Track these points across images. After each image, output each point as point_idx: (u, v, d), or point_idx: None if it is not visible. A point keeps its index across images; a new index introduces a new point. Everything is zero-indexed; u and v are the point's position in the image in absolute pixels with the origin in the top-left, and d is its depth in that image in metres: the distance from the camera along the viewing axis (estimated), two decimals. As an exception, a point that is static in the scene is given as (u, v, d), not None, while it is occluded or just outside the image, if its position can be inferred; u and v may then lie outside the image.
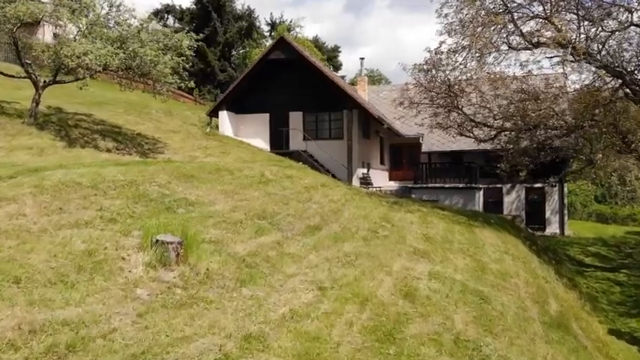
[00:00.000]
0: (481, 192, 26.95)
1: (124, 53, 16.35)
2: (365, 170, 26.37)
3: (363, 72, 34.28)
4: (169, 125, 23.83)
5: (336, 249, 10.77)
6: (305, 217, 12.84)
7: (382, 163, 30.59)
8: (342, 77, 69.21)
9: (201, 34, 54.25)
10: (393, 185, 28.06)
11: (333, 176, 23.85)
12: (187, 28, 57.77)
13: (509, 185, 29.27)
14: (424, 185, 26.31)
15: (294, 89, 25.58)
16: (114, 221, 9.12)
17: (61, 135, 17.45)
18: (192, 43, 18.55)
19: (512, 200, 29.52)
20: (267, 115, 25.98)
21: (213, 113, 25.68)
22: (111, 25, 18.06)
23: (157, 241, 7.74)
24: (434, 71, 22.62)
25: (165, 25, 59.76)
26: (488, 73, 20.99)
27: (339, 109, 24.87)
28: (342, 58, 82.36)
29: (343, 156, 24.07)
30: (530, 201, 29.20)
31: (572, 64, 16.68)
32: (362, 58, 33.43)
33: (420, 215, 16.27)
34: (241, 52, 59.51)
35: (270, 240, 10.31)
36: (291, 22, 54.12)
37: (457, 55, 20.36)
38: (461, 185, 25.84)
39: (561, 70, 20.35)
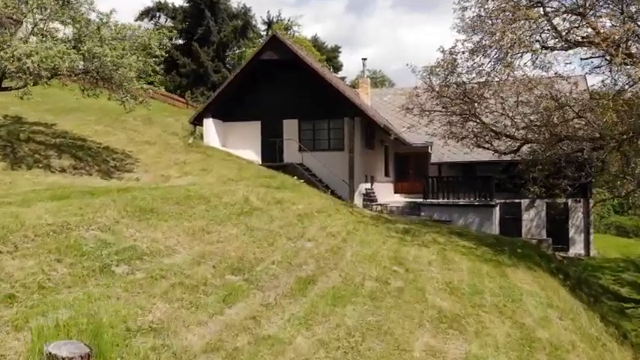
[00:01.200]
0: (497, 208, 24.03)
1: (78, 53, 13.43)
2: (368, 185, 23.47)
3: (366, 73, 31.40)
4: (146, 135, 20.94)
5: (335, 321, 7.87)
6: (295, 265, 9.95)
7: (387, 174, 27.69)
8: (343, 79, 66.37)
9: (184, 34, 50.32)
10: (400, 201, 25.14)
11: (333, 193, 20.98)
12: (180, 27, 55.24)
13: (528, 200, 26.36)
14: (435, 201, 23.40)
15: (289, 94, 22.70)
16: (10, 300, 6.25)
17: (6, 152, 14.56)
18: (164, 42, 15.60)
19: (532, 217, 26.62)
20: (258, 124, 23.10)
21: (198, 121, 22.78)
22: (68, 21, 15.12)
23: (50, 354, 4.84)
24: (448, 74, 19.79)
25: (156, 24, 57.09)
26: (512, 76, 18.12)
27: (339, 116, 21.99)
28: (342, 58, 79.64)
29: (344, 169, 21.17)
30: (551, 218, 26.30)
31: (620, 65, 13.76)
32: (364, 59, 30.68)
33: (438, 250, 13.36)
34: (237, 52, 56.64)
35: (243, 314, 7.42)
36: (289, 20, 51.04)
37: (476, 55, 17.50)
38: (476, 202, 22.92)
39: (580, 72, 17.69)
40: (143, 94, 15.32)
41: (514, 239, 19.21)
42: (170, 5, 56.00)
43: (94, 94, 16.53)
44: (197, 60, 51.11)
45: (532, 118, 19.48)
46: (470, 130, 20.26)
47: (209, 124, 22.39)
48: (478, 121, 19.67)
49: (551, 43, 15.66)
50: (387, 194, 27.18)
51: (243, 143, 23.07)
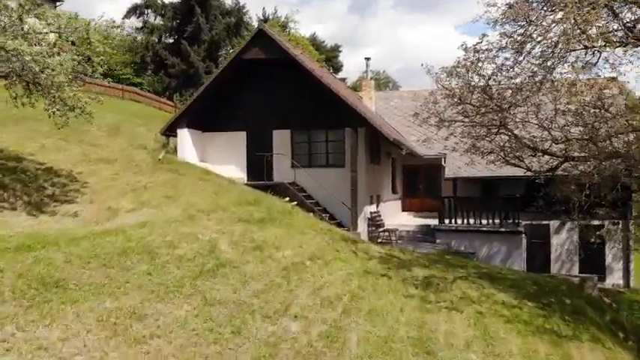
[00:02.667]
0: (525, 234, 20.43)
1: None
2: (374, 207, 19.88)
3: (369, 75, 27.82)
4: (106, 150, 17.34)
5: None
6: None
7: (394, 191, 24.10)
8: (343, 80, 62.76)
9: (173, 32, 46.67)
10: (410, 223, 21.53)
11: (332, 218, 17.44)
12: (169, 25, 51.66)
13: (558, 222, 22.79)
14: (452, 226, 19.81)
15: (280, 100, 19.14)
16: None
17: None
18: (110, 35, 12.00)
19: (562, 241, 23.02)
20: (243, 135, 19.51)
21: (171, 131, 19.18)
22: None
23: None
24: (471, 76, 16.25)
25: (145, 22, 53.55)
26: (552, 79, 14.62)
27: (339, 126, 18.43)
28: (343, 58, 76.09)
29: (345, 190, 17.60)
30: (585, 242, 22.67)
31: None
32: (367, 59, 27.07)
33: (474, 317, 9.77)
34: (230, 51, 53.00)
35: None
36: (285, 17, 47.39)
37: (511, 51, 13.97)
38: (502, 229, 19.32)
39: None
40: (82, 102, 11.66)
41: (555, 280, 15.65)
42: (159, 2, 52.45)
43: (29, 102, 12.88)
44: (187, 60, 47.57)
45: (575, 130, 15.98)
46: (496, 142, 16.70)
47: (184, 135, 18.79)
48: (510, 134, 16.07)
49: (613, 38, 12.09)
50: (394, 213, 23.60)
51: (226, 158, 19.49)
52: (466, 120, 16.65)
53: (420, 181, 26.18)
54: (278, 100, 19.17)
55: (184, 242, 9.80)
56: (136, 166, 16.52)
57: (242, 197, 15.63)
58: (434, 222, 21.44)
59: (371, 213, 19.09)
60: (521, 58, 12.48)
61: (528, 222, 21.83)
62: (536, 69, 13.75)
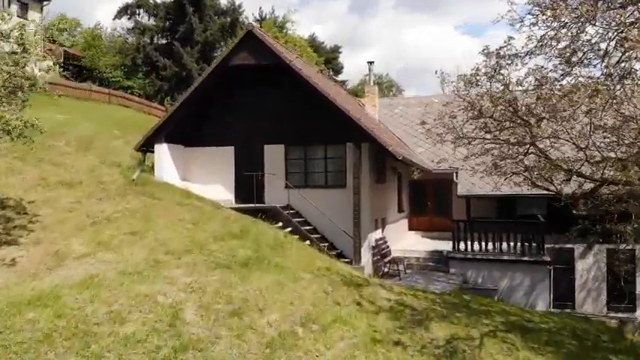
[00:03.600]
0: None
1: None
2: (379, 233, 17.54)
3: (372, 80, 25.48)
4: (70, 171, 15.02)
5: None
6: None
7: (400, 209, 21.76)
8: (343, 83, 60.37)
9: (165, 33, 44.33)
10: (420, 249, 19.19)
11: (331, 247, 15.19)
12: (161, 25, 49.34)
13: (583, 246, 20.46)
14: (468, 254, 17.47)
15: (273, 111, 16.85)
16: None
17: None
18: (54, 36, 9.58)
19: (589, 267, 20.67)
20: (230, 150, 17.20)
21: (148, 146, 16.84)
22: None
23: None
24: (493, 85, 13.98)
25: (136, 23, 51.21)
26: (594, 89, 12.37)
27: (340, 141, 16.15)
28: (343, 59, 73.76)
29: (346, 213, 15.31)
30: (613, 269, 20.33)
31: None
32: (370, 62, 24.75)
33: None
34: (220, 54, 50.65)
35: None
36: (283, 17, 44.98)
37: (555, 59, 11.73)
38: (525, 258, 16.99)
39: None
40: (14, 124, 9.31)
41: (592, 327, 13.35)
42: (151, 1, 50.12)
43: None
44: (179, 62, 45.24)
45: (616, 149, 13.66)
46: (524, 164, 14.37)
47: (162, 151, 16.46)
48: (540, 154, 13.72)
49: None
50: (400, 235, 21.26)
51: (211, 176, 17.18)
52: (488, 136, 14.34)
53: (428, 197, 23.84)
54: (270, 112, 16.87)
55: (137, 311, 7.49)
56: (104, 190, 14.21)
57: (226, 228, 13.31)
58: (446, 246, 19.14)
59: (375, 241, 16.75)
60: (572, 69, 10.02)
61: (550, 245, 19.49)
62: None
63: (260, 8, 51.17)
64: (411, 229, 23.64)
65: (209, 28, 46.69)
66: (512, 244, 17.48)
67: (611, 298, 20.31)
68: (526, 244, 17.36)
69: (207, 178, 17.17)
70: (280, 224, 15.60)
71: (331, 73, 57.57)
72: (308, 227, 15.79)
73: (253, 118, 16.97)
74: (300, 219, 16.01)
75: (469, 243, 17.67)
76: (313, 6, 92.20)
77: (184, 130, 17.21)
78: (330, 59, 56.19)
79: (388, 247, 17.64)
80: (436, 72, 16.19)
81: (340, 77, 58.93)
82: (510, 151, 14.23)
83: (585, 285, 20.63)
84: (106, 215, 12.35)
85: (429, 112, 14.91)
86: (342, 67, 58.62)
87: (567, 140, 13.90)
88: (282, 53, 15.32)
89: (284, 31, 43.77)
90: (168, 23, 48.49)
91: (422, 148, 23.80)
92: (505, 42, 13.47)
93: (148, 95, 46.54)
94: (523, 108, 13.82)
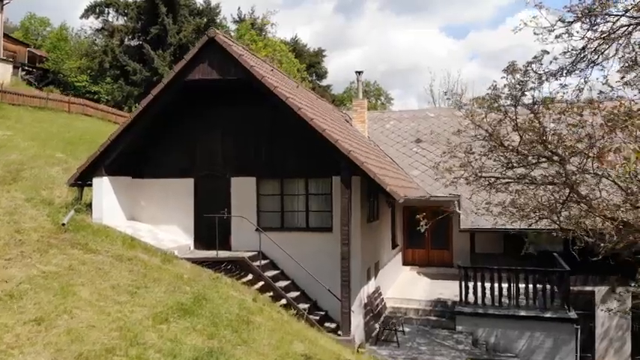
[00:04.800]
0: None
1: None
2: (372, 284, 14.50)
3: (361, 92, 22.42)
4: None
5: None
6: None
7: (394, 244, 18.75)
8: (327, 88, 57.36)
9: (136, 35, 41.02)
10: (418, 297, 16.16)
11: (314, 307, 12.18)
12: (132, 26, 45.84)
13: (605, 288, 17.65)
14: (478, 308, 14.50)
15: (242, 136, 13.76)
16: None
17: None
18: None
19: (612, 314, 17.86)
20: (189, 183, 14.02)
21: (84, 180, 13.57)
22: None
23: None
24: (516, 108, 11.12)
25: (105, 23, 47.61)
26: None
27: (325, 173, 13.11)
28: (328, 62, 70.60)
29: (333, 262, 12.28)
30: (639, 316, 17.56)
31: None
32: (359, 72, 21.72)
33: None
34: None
35: None
36: (261, 19, 41.73)
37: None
38: (548, 314, 14.08)
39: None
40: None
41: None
42: (122, 0, 46.65)
43: None
44: (150, 65, 41.85)
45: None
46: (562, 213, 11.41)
47: (102, 186, 13.20)
48: (580, 200, 10.73)
49: None
50: (395, 275, 18.24)
51: (166, 215, 14.00)
52: (510, 173, 11.38)
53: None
54: (239, 137, 13.77)
55: None
56: (19, 244, 10.95)
57: (174, 297, 10.11)
58: (448, 290, 16.25)
59: (368, 296, 13.69)
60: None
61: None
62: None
63: (239, 9, 47.97)
64: (405, 263, 20.65)
65: (183, 29, 43.36)
66: (531, 295, 14.57)
67: (637, 350, 17.52)
68: (548, 296, 14.44)
69: (161, 217, 14.00)
70: (250, 277, 12.49)
71: (314, 77, 54.54)
72: (285, 282, 12.70)
73: (218, 144, 13.85)
74: (275, 271, 12.92)
75: (479, 293, 14.70)
76: (298, 7, 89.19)
77: (132, 159, 14.01)
78: (313, 63, 53.17)
79: (382, 300, 14.63)
80: (446, 93, 13.29)
81: (324, 82, 56.01)
82: (545, 197, 11.30)
83: (607, 334, 17.80)
84: (9, 288, 9.10)
85: (442, 152, 12.07)
86: (326, 72, 55.62)
87: (611, 181, 11.01)
88: (253, 67, 12.17)
89: (263, 34, 40.49)
90: (139, 24, 45.06)
91: (418, 170, 20.86)
92: (536, 57, 10.67)
93: (116, 102, 43.07)
94: (556, 139, 10.97)
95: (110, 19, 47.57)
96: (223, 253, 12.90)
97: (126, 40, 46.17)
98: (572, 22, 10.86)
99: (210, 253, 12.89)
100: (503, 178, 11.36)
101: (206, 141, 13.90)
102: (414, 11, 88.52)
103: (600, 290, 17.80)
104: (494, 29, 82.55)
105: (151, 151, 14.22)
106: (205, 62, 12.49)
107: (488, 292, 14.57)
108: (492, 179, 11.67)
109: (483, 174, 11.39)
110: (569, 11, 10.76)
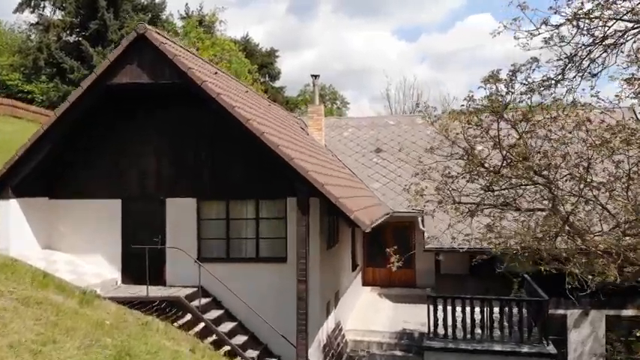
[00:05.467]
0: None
1: None
2: (332, 321, 12.72)
3: (317, 97, 20.64)
4: None
5: None
6: None
7: (354, 265, 17.08)
8: (281, 89, 55.38)
9: (74, 30, 37.86)
10: (382, 327, 14.50)
11: (265, 353, 10.26)
12: (70, 21, 42.64)
13: (578, 312, 16.52)
14: (448, 342, 12.95)
15: (180, 150, 11.73)
16: None
17: None
18: None
19: (584, 338, 16.72)
20: (116, 205, 11.87)
21: (-12, 203, 11.24)
22: None
23: None
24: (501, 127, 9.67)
25: (40, 17, 44.11)
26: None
27: (277, 193, 11.27)
28: (282, 62, 68.48)
29: (287, 297, 10.48)
30: (615, 340, 16.46)
31: None
32: (315, 76, 19.95)
33: None
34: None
35: None
36: (209, 15, 39.38)
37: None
38: (525, 349, 12.67)
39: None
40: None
41: None
42: (58, -7, 43.31)
43: None
44: (89, 63, 38.81)
45: None
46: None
47: (9, 210, 10.91)
48: (573, 231, 9.26)
49: None
50: (355, 299, 16.56)
51: (89, 243, 11.80)
52: (493, 202, 9.86)
53: (387, 243, 19.25)
54: (177, 151, 11.73)
55: None
56: None
57: (89, 357, 8.02)
58: (414, 317, 14.73)
59: (328, 336, 11.91)
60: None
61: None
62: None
63: (186, 5, 45.36)
64: (366, 283, 19.02)
65: (126, 25, 40.47)
66: (506, 325, 13.17)
67: (611, 376, 16.48)
68: (525, 327, 13.06)
69: (83, 245, 11.80)
70: (188, 318, 10.51)
71: (267, 78, 52.48)
72: (231, 324, 10.77)
73: (151, 159, 11.77)
74: (220, 311, 10.96)
75: (449, 324, 13.17)
76: (250, 6, 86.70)
77: (48, 176, 11.75)
78: (265, 64, 51.11)
79: (343, 336, 12.89)
80: (417, 104, 11.29)
81: (278, 83, 54.02)
82: (529, 223, 9.85)
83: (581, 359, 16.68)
84: None
85: (415, 175, 10.56)
86: (279, 73, 53.61)
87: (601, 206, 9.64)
88: (191, 69, 10.18)
89: (211, 32, 38.16)
90: (78, 19, 41.90)
91: (378, 182, 19.27)
92: (529, 62, 9.15)
93: (51, 102, 39.72)
94: (540, 155, 9.57)
95: (46, 14, 44.23)
96: (156, 291, 10.84)
97: (63, 35, 42.92)
98: (559, 26, 9.52)
99: (141, 290, 10.80)
100: (485, 206, 9.83)
101: (137, 155, 11.80)
102: (366, 14, 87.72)
103: (573, 314, 16.65)
104: (444, 33, 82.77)
105: (72, 166, 12.00)
106: (134, 63, 10.43)
107: (459, 322, 13.08)
108: (472, 206, 10.13)
109: (462, 200, 9.84)
110: (555, 13, 9.42)
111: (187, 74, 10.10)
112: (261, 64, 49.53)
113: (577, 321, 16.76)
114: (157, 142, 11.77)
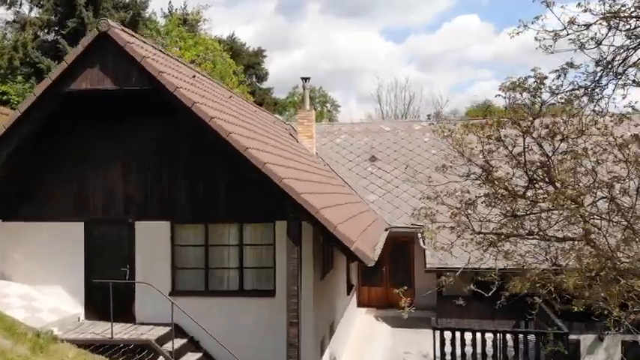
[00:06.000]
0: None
1: None
2: (326, 358, 11.25)
3: (307, 101, 19.14)
4: None
5: None
6: None
7: (349, 287, 15.61)
8: (269, 90, 53.69)
9: (52, 29, 35.80)
10: (378, 356, 13.07)
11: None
12: (47, 19, 40.76)
13: (592, 337, 15.20)
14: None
15: (152, 166, 10.19)
16: None
17: None
18: None
19: (600, 365, 15.46)
20: (78, 228, 10.29)
21: None
22: None
23: None
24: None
25: (17, 14, 42.15)
26: None
27: (264, 216, 9.77)
28: (269, 62, 66.66)
29: (276, 336, 8.96)
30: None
31: None
32: (305, 79, 18.44)
33: None
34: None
35: None
36: (192, 14, 37.69)
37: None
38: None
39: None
40: None
41: None
42: (36, -10, 41.32)
43: None
44: (67, 64, 36.93)
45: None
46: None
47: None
48: (597, 251, 7.86)
49: None
50: (350, 324, 15.11)
51: (48, 272, 10.22)
52: (520, 232, 8.45)
53: (383, 262, 17.86)
54: (148, 166, 10.18)
55: None
56: None
57: None
58: (415, 347, 13.33)
59: (321, 379, 10.44)
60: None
61: (540, 331, 13.99)
62: None
63: (170, 2, 43.52)
64: (361, 304, 17.58)
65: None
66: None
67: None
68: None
69: (41, 274, 10.21)
70: (160, 364, 8.98)
71: (254, 79, 50.79)
72: (209, 368, 9.25)
73: (118, 175, 10.22)
74: (198, 354, 9.44)
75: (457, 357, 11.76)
76: (237, 6, 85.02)
77: (2, 194, 10.14)
78: (252, 64, 49.39)
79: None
80: (429, 117, 9.75)
81: (265, 84, 52.34)
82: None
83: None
84: None
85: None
86: (266, 74, 51.85)
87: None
88: (162, 73, 8.64)
89: (195, 31, 36.45)
90: (55, 16, 39.95)
91: (374, 194, 17.86)
92: (562, 67, 7.80)
93: (27, 103, 37.84)
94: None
95: (23, 11, 42.25)
96: (123, 331, 9.30)
97: (40, 34, 40.96)
98: (589, 26, 8.13)
99: (106, 329, 9.25)
100: (511, 236, 8.43)
101: (102, 171, 10.23)
102: (354, 15, 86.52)
103: (586, 339, 15.33)
104: (431, 34, 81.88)
105: (28, 184, 10.40)
106: (95, 66, 8.87)
107: (469, 356, 11.67)
108: (493, 236, 8.72)
109: (482, 230, 8.43)
110: (585, 11, 8.02)
111: (158, 79, 8.55)
112: (248, 64, 47.82)
113: (591, 347, 15.43)
114: (125, 155, 10.21)
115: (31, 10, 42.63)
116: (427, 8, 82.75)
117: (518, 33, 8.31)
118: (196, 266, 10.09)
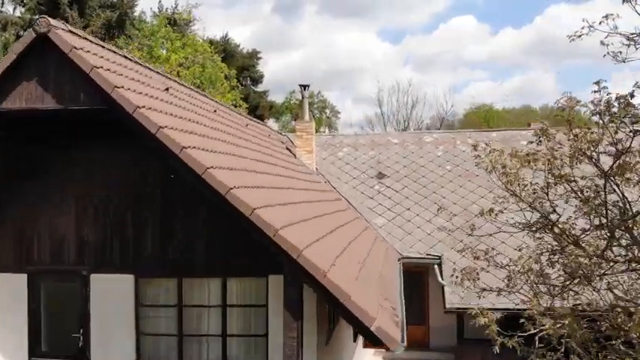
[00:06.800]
0: None
1: None
2: None
3: (306, 111, 17.02)
4: None
5: None
6: None
7: (356, 336, 13.41)
8: (264, 94, 51.50)
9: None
10: None
11: None
12: (30, 18, 38.57)
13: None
14: None
15: (112, 205, 8.04)
16: None
17: None
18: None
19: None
20: (21, 282, 8.15)
21: None
22: None
23: None
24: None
25: (-1, 13, 39.96)
26: None
27: (254, 269, 7.63)
28: (265, 64, 64.55)
29: None
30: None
31: None
32: (304, 87, 16.29)
33: None
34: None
35: None
36: (181, 12, 35.50)
37: None
38: None
39: None
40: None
41: None
42: (18, -13, 39.18)
43: None
44: (49, 66, 34.77)
45: None
46: None
47: None
48: None
49: None
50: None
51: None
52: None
53: (392, 295, 15.75)
54: (107, 206, 8.05)
55: None
56: None
57: None
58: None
59: None
60: None
61: None
62: None
63: (160, 2, 41.38)
64: (367, 345, 15.41)
65: (92, 24, 36.44)
66: None
67: None
68: None
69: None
70: None
71: (249, 82, 48.60)
72: None
73: (70, 217, 8.08)
74: None
75: None
76: (234, 7, 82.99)
77: None
78: (247, 66, 47.22)
79: None
80: (475, 146, 7.47)
81: (261, 87, 50.23)
82: None
83: None
84: None
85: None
86: (262, 76, 49.69)
87: None
88: (117, 88, 6.49)
89: (184, 32, 34.24)
90: (38, 16, 37.85)
91: (383, 217, 15.74)
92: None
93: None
94: None
95: (7, 10, 40.17)
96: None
97: (22, 34, 38.90)
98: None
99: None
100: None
101: (50, 211, 8.10)
102: (351, 15, 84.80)
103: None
104: (428, 34, 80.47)
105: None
106: (32, 79, 6.72)
107: None
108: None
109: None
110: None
111: (113, 97, 6.41)
112: (242, 66, 45.65)
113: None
114: (79, 192, 8.08)
115: (14, 9, 40.70)
116: (424, 9, 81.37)
117: (580, 36, 6.32)
118: (167, 332, 7.94)
